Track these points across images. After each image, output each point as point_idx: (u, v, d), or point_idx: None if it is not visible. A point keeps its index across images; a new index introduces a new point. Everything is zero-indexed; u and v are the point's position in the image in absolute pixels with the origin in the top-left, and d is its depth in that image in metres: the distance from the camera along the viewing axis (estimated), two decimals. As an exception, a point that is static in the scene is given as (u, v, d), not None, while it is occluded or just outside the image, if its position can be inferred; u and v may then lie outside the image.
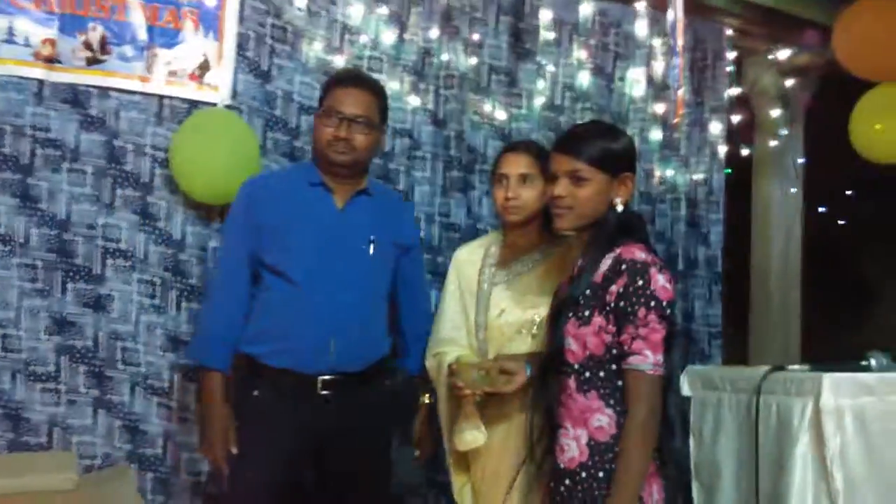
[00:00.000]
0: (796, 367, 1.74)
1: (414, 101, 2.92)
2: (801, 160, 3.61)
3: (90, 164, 2.51)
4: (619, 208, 1.77)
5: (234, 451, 2.09)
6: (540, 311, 2.11)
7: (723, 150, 3.41)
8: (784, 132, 3.54)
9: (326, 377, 2.08)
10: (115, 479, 1.85)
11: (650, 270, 1.64)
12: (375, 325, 2.23)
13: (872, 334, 4.08)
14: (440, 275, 2.89)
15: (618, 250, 1.71)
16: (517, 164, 2.16)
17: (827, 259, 3.89)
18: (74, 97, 2.50)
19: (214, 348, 2.14)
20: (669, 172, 3.33)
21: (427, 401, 2.32)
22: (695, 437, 1.90)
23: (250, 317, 2.16)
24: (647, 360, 1.58)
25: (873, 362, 1.77)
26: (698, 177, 3.38)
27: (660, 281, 1.63)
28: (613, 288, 1.65)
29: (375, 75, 2.82)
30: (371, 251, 2.18)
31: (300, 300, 2.09)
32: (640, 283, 1.62)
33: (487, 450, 2.08)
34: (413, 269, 2.37)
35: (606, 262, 1.71)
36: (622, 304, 1.62)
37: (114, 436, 2.50)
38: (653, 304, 1.60)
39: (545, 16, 3.10)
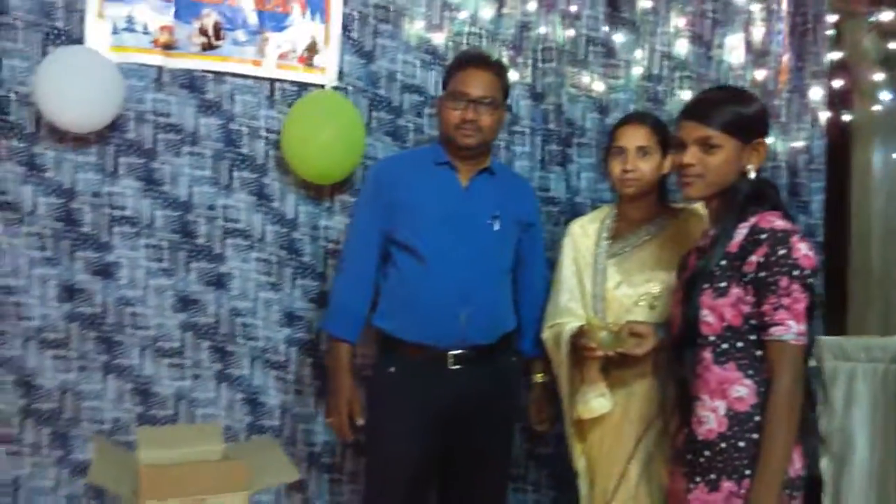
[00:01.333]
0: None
1: (512, 75, 2.91)
2: (904, 124, 3.51)
3: (209, 148, 2.60)
4: (752, 175, 1.74)
5: (360, 422, 2.17)
6: (657, 283, 2.12)
7: (824, 116, 3.33)
8: (886, 96, 3.44)
9: (457, 352, 2.13)
10: (265, 449, 1.94)
11: (791, 239, 1.62)
12: (502, 298, 2.28)
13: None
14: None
15: (753, 219, 1.69)
16: (635, 137, 2.17)
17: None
18: (191, 82, 2.59)
19: (344, 319, 2.22)
20: (770, 140, 3.26)
21: (541, 379, 2.36)
22: (826, 408, 1.90)
23: (382, 292, 2.23)
24: (790, 329, 1.58)
25: None
26: (799, 144, 3.30)
27: (802, 249, 1.62)
28: (753, 258, 1.63)
29: (473, 51, 2.86)
30: (495, 227, 2.22)
31: (430, 274, 2.15)
32: (782, 252, 1.60)
33: (607, 420, 2.10)
34: (533, 247, 2.40)
35: (741, 232, 1.69)
36: (763, 273, 1.61)
37: (235, 408, 2.62)
38: (795, 272, 1.59)
39: (643, -16, 3.06)
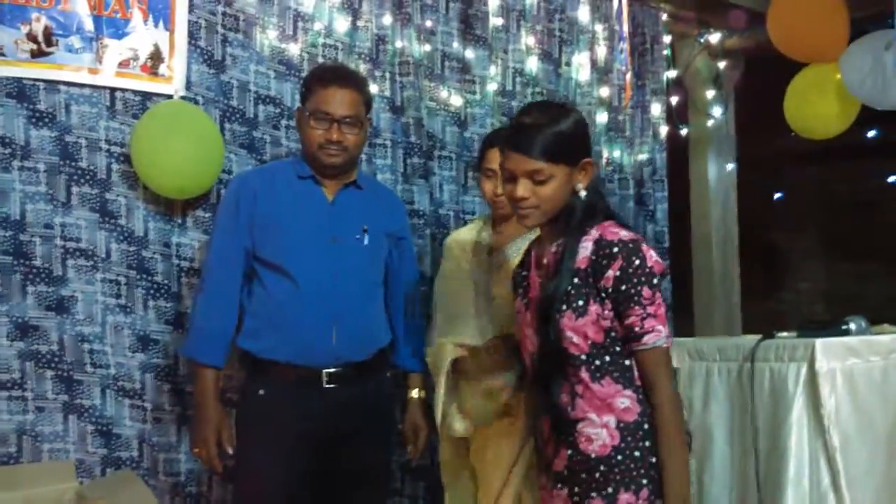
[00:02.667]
0: (785, 334, 1.85)
1: (372, 88, 2.89)
2: (733, 137, 3.79)
3: (42, 162, 2.39)
4: (582, 194, 1.72)
5: (230, 450, 2.05)
6: None
7: (664, 130, 3.54)
8: (717, 111, 3.70)
9: (331, 370, 2.07)
10: (125, 483, 1.78)
11: (642, 247, 1.65)
12: (374, 313, 2.24)
13: (809, 302, 4.33)
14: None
15: (594, 232, 1.69)
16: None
17: (762, 230, 4.11)
18: (20, 91, 2.38)
19: (208, 343, 2.11)
20: (616, 153, 3.43)
21: (417, 395, 2.34)
22: (684, 406, 1.98)
23: (247, 311, 2.13)
24: (661, 335, 1.62)
25: (853, 326, 1.89)
26: (643, 157, 3.50)
27: (653, 256, 1.65)
28: (609, 273, 1.63)
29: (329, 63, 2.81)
30: (365, 241, 2.18)
31: (298, 292, 2.08)
32: (637, 262, 1.62)
33: (491, 430, 2.14)
34: (403, 260, 2.37)
35: (586, 247, 1.68)
36: (624, 287, 1.61)
37: (86, 441, 2.41)
38: (654, 280, 1.64)
39: (493, 2, 3.13)
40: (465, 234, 2.35)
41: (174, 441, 2.47)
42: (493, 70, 3.15)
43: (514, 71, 3.21)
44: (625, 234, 1.68)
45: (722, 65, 3.70)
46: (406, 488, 2.84)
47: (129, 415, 2.44)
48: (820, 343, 1.72)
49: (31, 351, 2.35)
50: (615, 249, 1.65)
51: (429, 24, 3.01)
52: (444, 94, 3.04)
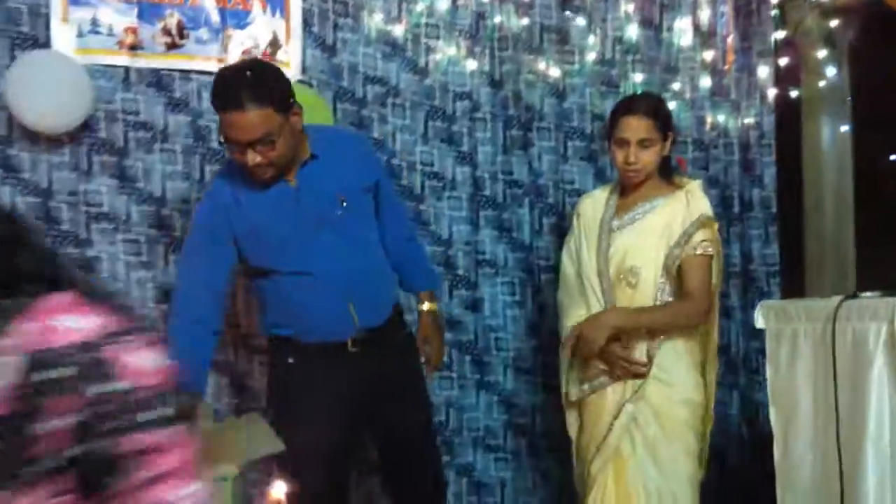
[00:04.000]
0: (868, 294, 1.86)
1: (471, 64, 3.03)
2: (848, 98, 3.66)
3: (179, 144, 2.68)
4: None
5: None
6: (639, 259, 2.31)
7: (772, 93, 3.47)
8: (831, 72, 3.59)
9: (353, 338, 2.13)
10: (249, 422, 2.04)
11: None
12: (382, 274, 2.25)
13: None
14: (506, 230, 3.06)
15: None
16: (638, 130, 2.28)
17: (878, 193, 3.96)
18: (158, 81, 2.67)
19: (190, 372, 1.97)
20: (721, 118, 3.41)
21: (427, 308, 2.42)
22: (772, 366, 2.03)
23: (266, 306, 2.19)
24: None
25: (939, 287, 1.89)
26: (749, 121, 3.45)
27: None
28: None
29: (432, 42, 2.97)
30: (343, 207, 2.11)
31: (305, 285, 2.08)
32: None
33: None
34: (387, 201, 2.31)
35: None
36: None
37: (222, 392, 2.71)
38: None
39: (591, -29, 3.17)
40: (598, 193, 2.50)
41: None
42: (591, 40, 3.19)
43: (614, 39, 3.24)
44: None
45: (834, 23, 3.57)
46: (508, 444, 3.02)
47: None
48: (900, 303, 1.73)
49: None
50: None
51: (527, -2, 3.09)
52: (542, 66, 3.13)
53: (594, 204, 2.46)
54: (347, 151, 2.23)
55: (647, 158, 2.28)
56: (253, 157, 1.95)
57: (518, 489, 3.03)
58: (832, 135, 3.68)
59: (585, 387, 2.36)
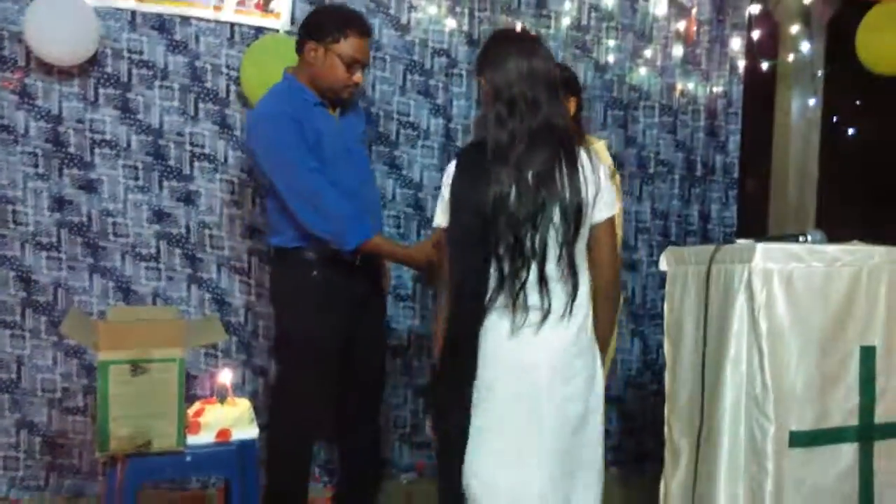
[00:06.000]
0: (743, 240, 2.10)
1: (451, 23, 3.28)
2: (820, 73, 3.82)
3: (177, 82, 2.99)
4: None
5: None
6: None
7: (741, 64, 3.66)
8: (805, 46, 3.75)
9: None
10: (206, 320, 2.39)
11: None
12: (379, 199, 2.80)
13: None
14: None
15: None
16: None
17: (841, 165, 4.13)
18: (161, 24, 2.97)
19: (361, 225, 2.44)
20: (690, 85, 3.61)
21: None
22: (668, 304, 2.29)
23: (291, 220, 2.47)
24: None
25: (809, 237, 2.12)
26: (718, 89, 3.65)
27: None
28: None
29: (415, 0, 3.21)
30: (364, 145, 2.70)
31: (339, 193, 2.44)
32: None
33: None
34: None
35: None
36: None
37: (205, 306, 3.07)
38: None
39: (573, -63, 3.37)
40: None
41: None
42: (567, 5, 3.41)
43: (590, 6, 3.45)
44: None
45: (809, 0, 3.72)
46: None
47: (238, 288, 3.08)
48: (760, 247, 1.96)
49: (165, 233, 3.01)
50: None
51: (508, -39, 3.32)
52: (518, 27, 3.36)
53: None
54: (359, 112, 2.75)
55: None
56: (361, 76, 2.51)
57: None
58: (801, 107, 3.86)
59: None
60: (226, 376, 2.22)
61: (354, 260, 2.51)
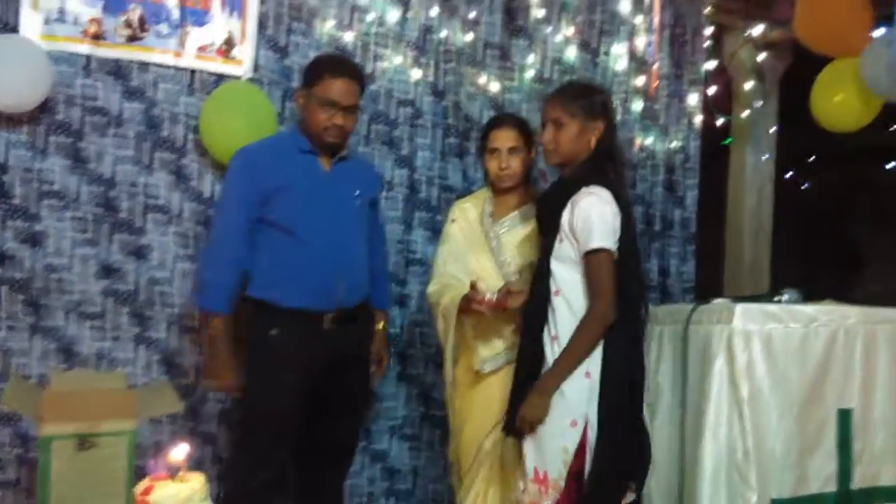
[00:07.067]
0: (720, 300, 2.09)
1: (416, 73, 3.25)
2: (773, 129, 3.91)
3: (132, 130, 2.87)
4: None
5: (234, 381, 2.44)
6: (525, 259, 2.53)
7: (699, 119, 3.72)
8: (758, 103, 3.84)
9: (331, 314, 2.45)
10: (158, 387, 2.25)
11: None
12: (366, 264, 2.61)
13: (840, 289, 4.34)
14: (437, 231, 3.25)
15: None
16: (506, 139, 2.54)
17: (795, 219, 4.23)
18: (118, 70, 2.85)
19: (223, 295, 2.43)
20: (649, 140, 3.65)
21: (382, 328, 2.77)
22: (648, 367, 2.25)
23: (258, 267, 2.45)
24: None
25: (785, 297, 2.12)
26: (676, 145, 3.69)
27: None
28: None
29: (381, 50, 3.18)
30: (358, 203, 2.57)
31: (308, 249, 2.42)
32: None
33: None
34: (376, 222, 2.79)
35: None
36: None
37: (153, 368, 2.90)
38: None
39: (536, -6, 3.40)
40: (470, 200, 2.73)
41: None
42: (531, 58, 3.43)
43: (553, 60, 3.48)
44: None
45: (763, 57, 3.82)
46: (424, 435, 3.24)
47: (188, 348, 2.93)
48: (740, 307, 1.96)
49: (112, 289, 2.85)
50: None
51: (473, 14, 3.31)
52: (483, 80, 3.35)
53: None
54: (367, 170, 2.76)
55: (516, 165, 2.56)
56: (342, 120, 2.44)
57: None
58: (755, 162, 3.93)
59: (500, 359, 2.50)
60: (180, 451, 2.07)
61: (321, 322, 2.40)
